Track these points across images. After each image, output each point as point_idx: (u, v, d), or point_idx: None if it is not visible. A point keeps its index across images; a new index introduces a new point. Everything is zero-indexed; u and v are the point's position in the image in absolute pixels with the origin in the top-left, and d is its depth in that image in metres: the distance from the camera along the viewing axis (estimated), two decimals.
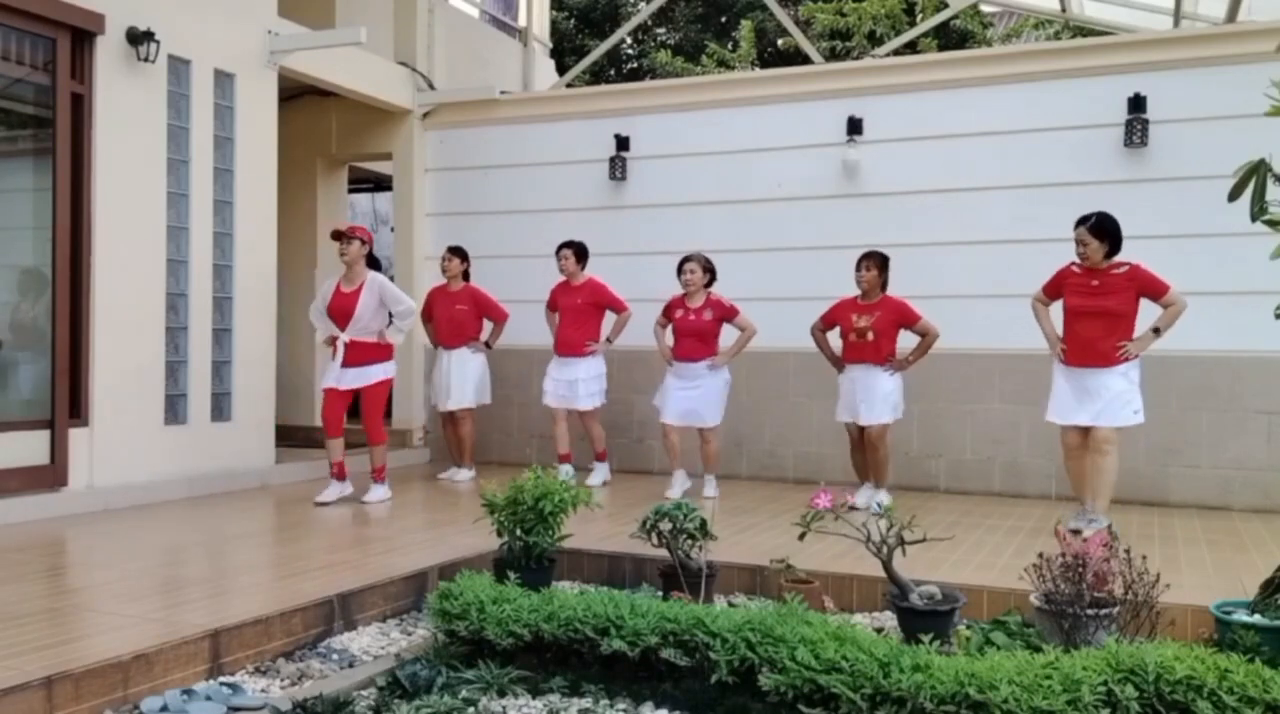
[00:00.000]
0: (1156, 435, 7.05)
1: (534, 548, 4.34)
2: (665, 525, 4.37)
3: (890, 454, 6.65)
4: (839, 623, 3.40)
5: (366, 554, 5.07)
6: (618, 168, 8.56)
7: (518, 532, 4.36)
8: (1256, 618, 3.65)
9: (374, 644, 4.08)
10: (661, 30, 18.80)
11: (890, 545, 3.91)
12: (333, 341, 6.70)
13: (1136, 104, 7.12)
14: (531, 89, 11.21)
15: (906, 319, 6.53)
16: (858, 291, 6.62)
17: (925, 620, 3.81)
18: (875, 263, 6.54)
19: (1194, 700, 2.84)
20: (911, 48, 11.12)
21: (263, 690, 3.53)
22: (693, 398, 6.89)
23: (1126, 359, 5.67)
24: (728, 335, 7.04)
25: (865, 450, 6.61)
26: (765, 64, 15.79)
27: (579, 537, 4.90)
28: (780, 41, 16.25)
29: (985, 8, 13.74)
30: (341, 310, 6.63)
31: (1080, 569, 3.61)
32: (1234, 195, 3.55)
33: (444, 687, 3.47)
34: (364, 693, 3.50)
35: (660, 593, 4.37)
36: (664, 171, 8.48)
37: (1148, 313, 5.79)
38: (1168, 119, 7.08)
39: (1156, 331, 5.73)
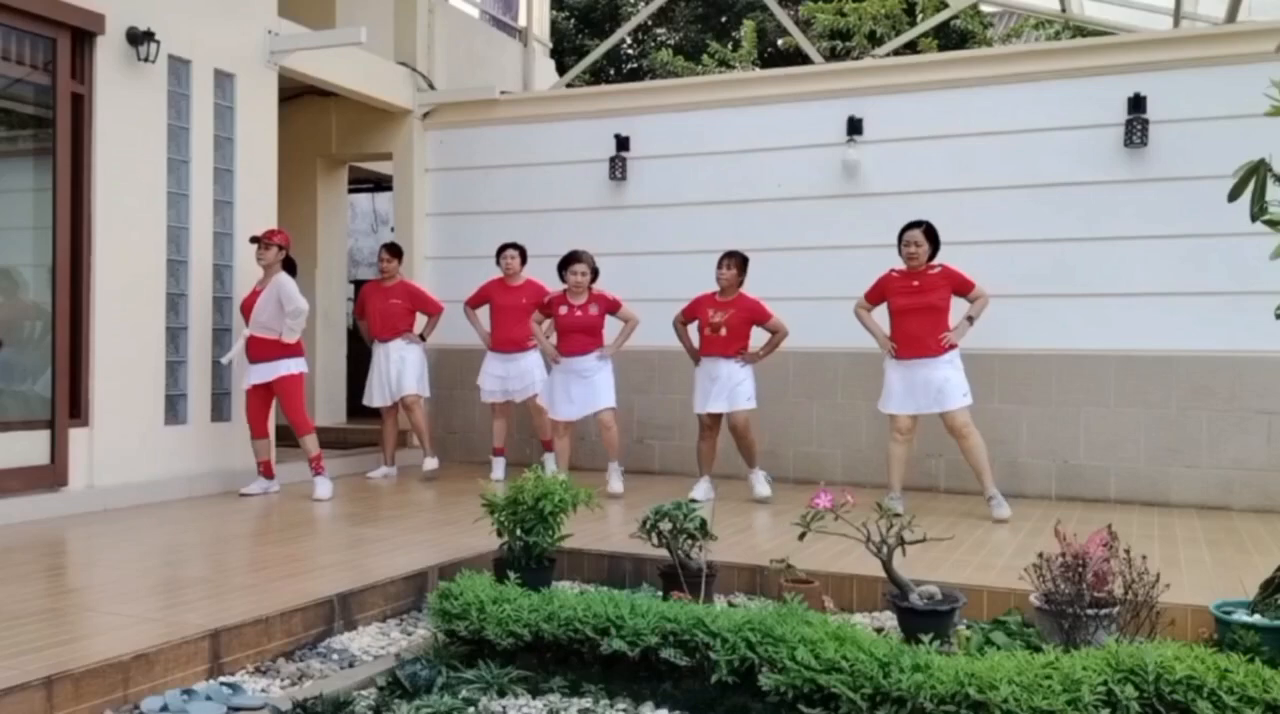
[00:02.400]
0: (1156, 435, 7.05)
1: (534, 548, 4.34)
2: (665, 525, 4.37)
3: (757, 440, 6.96)
4: (839, 623, 3.40)
5: (366, 554, 5.07)
6: (618, 168, 8.56)
7: (518, 532, 4.36)
8: (1256, 618, 3.65)
9: (374, 644, 4.08)
10: (661, 30, 18.81)
11: (890, 545, 3.91)
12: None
13: (1136, 104, 7.12)
14: (531, 89, 11.21)
15: (758, 316, 6.80)
16: (717, 288, 6.87)
17: (925, 620, 3.81)
18: (736, 262, 6.83)
19: (1194, 700, 2.83)
20: (911, 48, 11.12)
21: (263, 690, 3.53)
22: (586, 390, 7.07)
23: (950, 346, 6.31)
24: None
25: (736, 440, 6.85)
26: (765, 64, 15.79)
27: (579, 537, 4.90)
28: (780, 41, 16.26)
29: (985, 8, 13.74)
30: (248, 307, 6.91)
31: (1080, 569, 3.62)
32: (1234, 195, 3.55)
33: (444, 687, 3.47)
34: (364, 693, 3.50)
35: (660, 593, 4.37)
36: (664, 171, 8.48)
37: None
38: (1168, 119, 7.08)
39: (970, 320, 6.37)
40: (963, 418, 6.30)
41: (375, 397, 7.99)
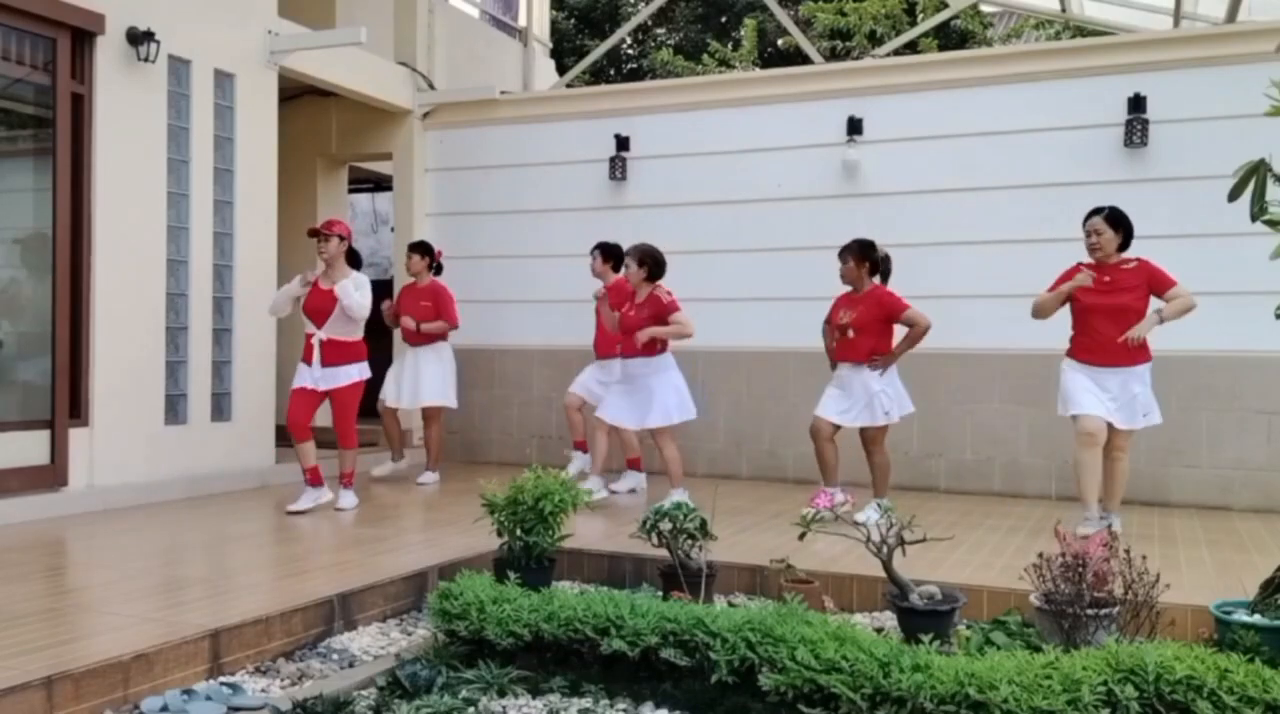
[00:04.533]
0: (1156, 435, 7.03)
1: (534, 548, 4.34)
2: (665, 525, 4.37)
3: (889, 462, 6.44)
4: (839, 623, 3.40)
5: (366, 554, 5.07)
6: (618, 168, 8.56)
7: (518, 532, 4.35)
8: (1256, 618, 3.65)
9: (374, 644, 4.08)
10: (661, 30, 18.81)
11: (890, 545, 3.91)
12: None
13: (1136, 104, 7.12)
14: (531, 89, 11.21)
15: (892, 311, 6.07)
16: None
17: (925, 620, 3.81)
18: (853, 254, 6.20)
19: (1194, 700, 2.83)
20: (911, 48, 11.12)
21: (263, 690, 3.53)
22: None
23: (1141, 352, 5.56)
24: None
25: (867, 456, 6.27)
26: (766, 64, 15.79)
27: (579, 537, 4.90)
28: (780, 41, 16.26)
29: (985, 8, 13.74)
30: (319, 309, 6.34)
31: (1080, 569, 3.61)
32: (1234, 195, 3.56)
33: (444, 687, 3.47)
34: (364, 693, 3.49)
35: (660, 593, 4.37)
36: (664, 171, 8.48)
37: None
38: (1168, 119, 7.08)
39: (1161, 317, 5.51)
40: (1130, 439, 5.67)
41: (390, 397, 7.67)
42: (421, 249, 7.78)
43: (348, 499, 6.41)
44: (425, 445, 7.84)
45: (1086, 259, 5.70)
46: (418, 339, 7.65)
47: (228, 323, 7.30)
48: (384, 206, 12.44)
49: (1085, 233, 5.66)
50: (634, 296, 6.62)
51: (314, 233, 6.47)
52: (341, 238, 6.41)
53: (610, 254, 7.37)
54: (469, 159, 9.21)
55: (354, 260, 6.57)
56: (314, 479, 6.37)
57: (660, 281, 6.59)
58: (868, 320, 6.02)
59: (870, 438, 6.13)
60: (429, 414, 7.77)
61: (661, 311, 6.43)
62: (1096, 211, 5.66)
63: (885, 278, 6.23)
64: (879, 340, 6.06)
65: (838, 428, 6.13)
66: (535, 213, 8.84)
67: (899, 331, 6.11)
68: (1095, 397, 5.59)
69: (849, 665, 3.07)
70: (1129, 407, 5.58)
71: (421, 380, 7.62)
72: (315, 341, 6.35)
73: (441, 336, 7.70)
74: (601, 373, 7.32)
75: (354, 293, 6.28)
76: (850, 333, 6.06)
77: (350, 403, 6.46)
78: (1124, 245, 5.61)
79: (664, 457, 6.50)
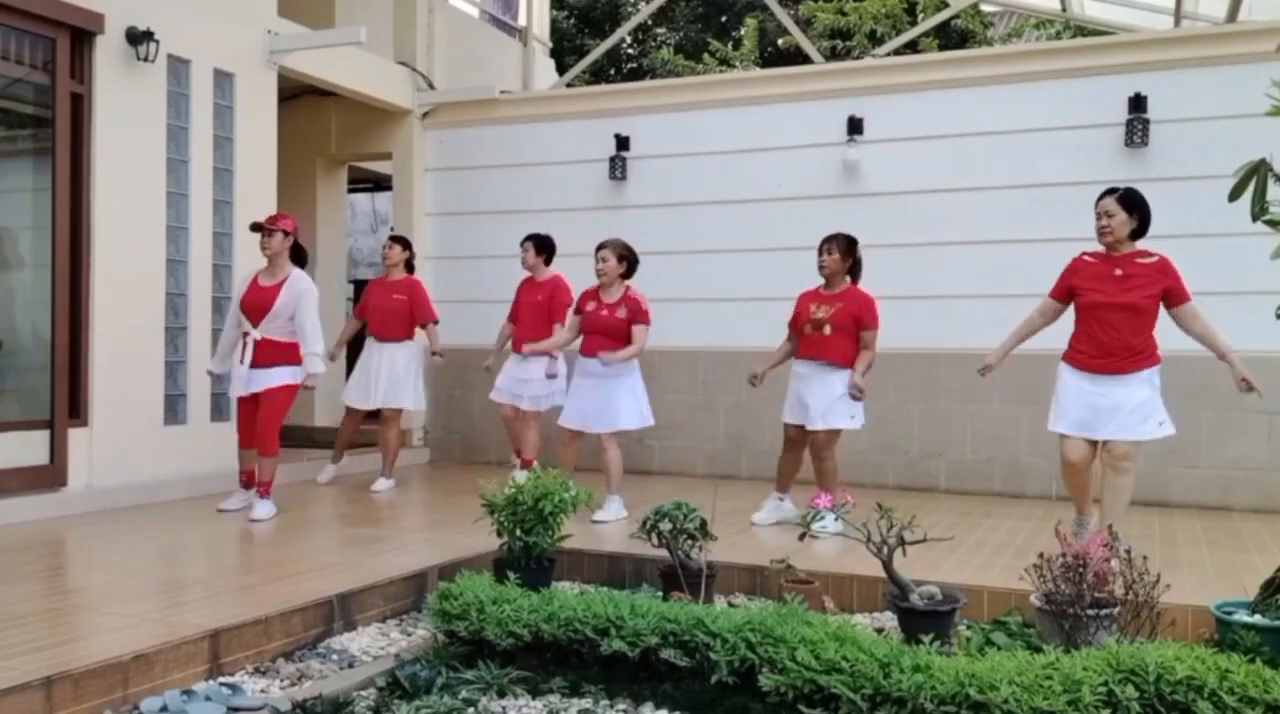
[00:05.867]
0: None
1: (534, 548, 4.33)
2: (665, 525, 4.37)
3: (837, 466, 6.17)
4: (839, 623, 3.39)
5: (366, 554, 5.06)
6: (618, 168, 8.56)
7: (518, 532, 4.35)
8: (1257, 618, 3.65)
9: (374, 644, 4.08)
10: (661, 30, 18.80)
11: (890, 545, 3.91)
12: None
13: (1137, 104, 7.12)
14: (531, 89, 11.20)
15: (864, 318, 5.90)
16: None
17: (925, 621, 3.80)
18: (838, 245, 5.99)
19: (1194, 701, 2.83)
20: (912, 48, 11.12)
21: (262, 691, 3.53)
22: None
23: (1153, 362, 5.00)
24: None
25: (814, 461, 6.07)
26: (766, 63, 15.80)
27: (579, 537, 4.90)
28: (780, 41, 16.27)
29: (985, 8, 13.74)
30: (256, 305, 6.07)
31: (1081, 569, 3.61)
32: (1235, 195, 3.56)
33: (444, 687, 3.47)
34: (364, 693, 3.49)
35: (660, 593, 4.37)
36: (664, 171, 8.48)
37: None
38: (1168, 119, 7.08)
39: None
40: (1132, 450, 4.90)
41: (353, 395, 7.35)
42: (403, 242, 7.62)
43: (264, 509, 6.07)
44: (383, 449, 7.45)
45: (1093, 250, 5.16)
46: (385, 334, 7.36)
47: None
48: (384, 206, 12.45)
49: (1096, 215, 4.99)
50: (598, 294, 6.23)
51: (257, 227, 6.21)
52: (286, 233, 6.15)
53: (544, 247, 7.26)
54: (469, 159, 9.21)
55: (299, 258, 6.31)
56: (250, 482, 6.28)
57: (630, 282, 6.31)
58: (844, 319, 5.83)
59: (823, 442, 5.90)
60: (389, 416, 7.37)
61: (638, 318, 6.11)
62: (1110, 192, 4.99)
63: (855, 280, 6.10)
64: (851, 342, 5.86)
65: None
66: (535, 213, 8.83)
67: None
68: (1083, 414, 4.98)
69: (849, 666, 3.07)
70: (1133, 415, 4.90)
71: (394, 380, 7.31)
72: (249, 341, 6.08)
73: (409, 336, 7.42)
74: (517, 368, 7.20)
75: (314, 313, 6.10)
76: (827, 330, 5.84)
77: (279, 406, 6.13)
78: (1139, 232, 4.94)
79: (606, 459, 6.13)
